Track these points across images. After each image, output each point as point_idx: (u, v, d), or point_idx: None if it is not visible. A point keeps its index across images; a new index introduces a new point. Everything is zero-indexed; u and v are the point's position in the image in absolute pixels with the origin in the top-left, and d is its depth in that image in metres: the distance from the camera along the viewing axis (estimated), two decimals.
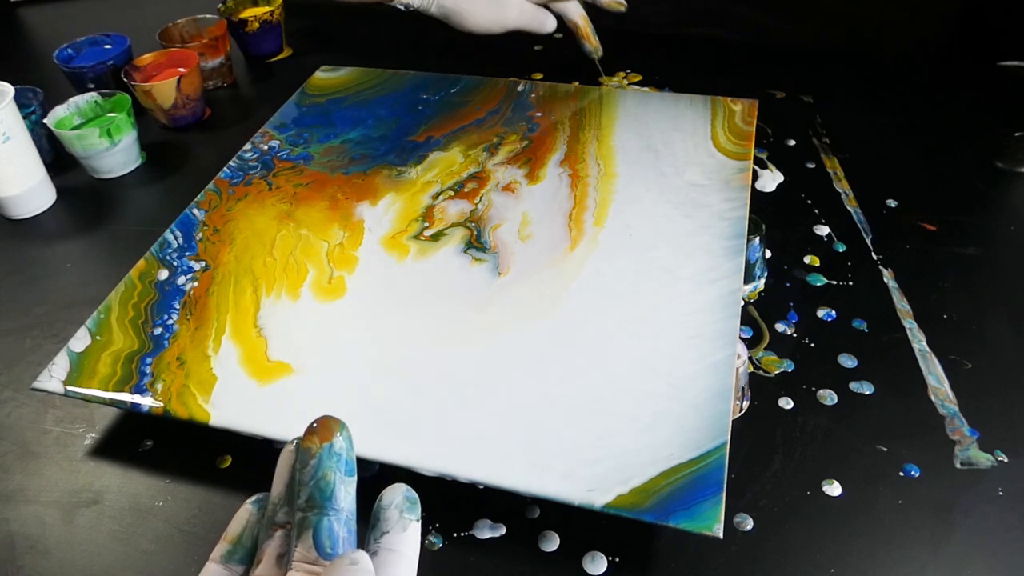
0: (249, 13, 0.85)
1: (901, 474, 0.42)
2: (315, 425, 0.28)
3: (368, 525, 0.28)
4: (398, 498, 0.28)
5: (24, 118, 0.64)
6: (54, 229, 0.65)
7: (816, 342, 0.49)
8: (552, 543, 0.40)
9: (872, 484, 0.42)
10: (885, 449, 0.43)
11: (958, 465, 0.42)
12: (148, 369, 0.45)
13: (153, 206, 0.66)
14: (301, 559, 0.25)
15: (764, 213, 0.55)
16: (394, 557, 0.27)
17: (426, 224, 0.54)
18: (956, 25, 0.76)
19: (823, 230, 0.58)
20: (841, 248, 0.56)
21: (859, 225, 0.58)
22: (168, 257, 0.53)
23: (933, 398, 0.46)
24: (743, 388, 0.45)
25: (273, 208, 0.57)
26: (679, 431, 0.39)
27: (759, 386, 0.47)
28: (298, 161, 0.62)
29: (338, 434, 0.27)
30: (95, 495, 0.44)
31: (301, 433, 0.27)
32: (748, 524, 0.40)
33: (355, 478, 0.27)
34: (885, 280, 0.53)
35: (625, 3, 0.67)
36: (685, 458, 0.38)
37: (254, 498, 0.29)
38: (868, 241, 0.57)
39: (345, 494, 0.27)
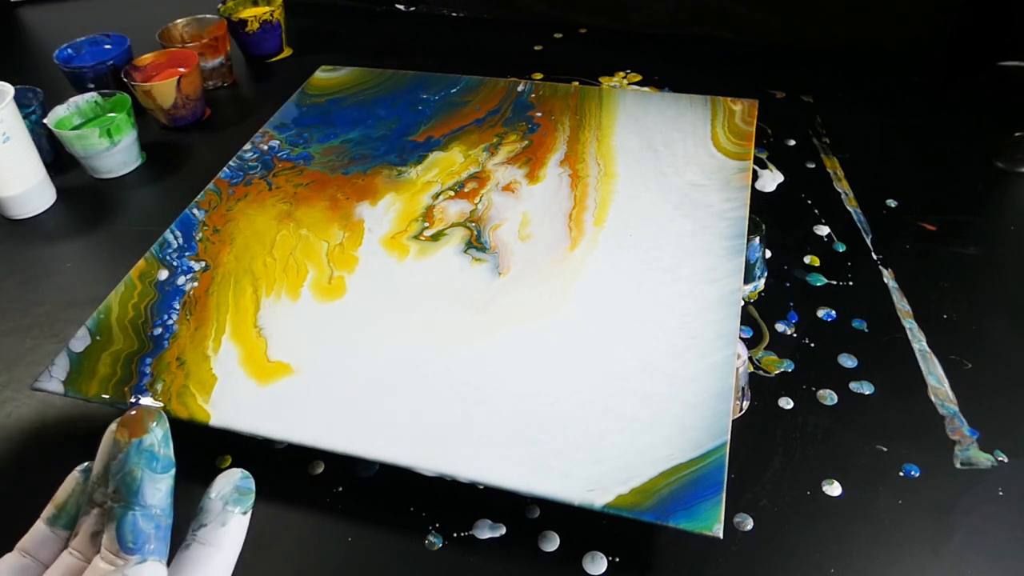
0: (249, 13, 0.85)
1: (901, 474, 0.42)
2: (132, 414, 0.27)
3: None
4: (227, 488, 0.27)
5: (24, 118, 0.64)
6: (54, 229, 0.65)
7: (816, 342, 0.49)
8: (552, 543, 0.40)
9: (872, 484, 0.42)
10: (885, 449, 0.43)
11: (958, 465, 0.42)
12: (148, 369, 0.45)
13: (153, 206, 0.66)
14: (107, 548, 0.25)
15: (764, 213, 0.55)
16: (206, 553, 0.26)
17: (426, 224, 0.54)
18: (956, 25, 0.76)
19: (823, 230, 0.58)
20: (841, 248, 0.56)
21: (859, 225, 0.58)
22: (168, 257, 0.53)
23: (933, 398, 0.46)
24: (743, 388, 0.45)
25: (273, 208, 0.57)
26: (679, 431, 0.39)
27: (759, 386, 0.47)
28: (298, 161, 0.62)
29: (153, 428, 0.26)
30: None
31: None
32: (748, 524, 0.40)
33: (170, 474, 0.26)
34: (885, 280, 0.53)
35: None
36: (685, 458, 0.38)
37: (83, 466, 0.29)
38: (868, 241, 0.57)
39: (154, 491, 0.26)
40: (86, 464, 0.29)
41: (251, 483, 0.28)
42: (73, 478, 0.29)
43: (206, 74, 0.80)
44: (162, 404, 0.43)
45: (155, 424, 0.26)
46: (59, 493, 0.28)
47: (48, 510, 0.28)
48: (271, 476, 0.44)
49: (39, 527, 0.28)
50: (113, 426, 0.27)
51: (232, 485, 0.28)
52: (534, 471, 0.38)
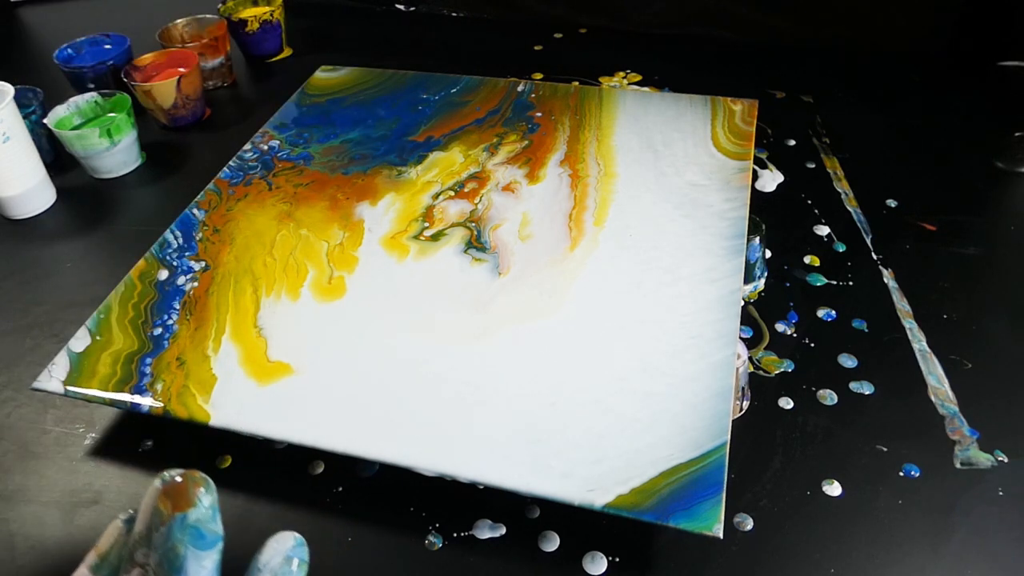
0: (249, 13, 0.85)
1: (901, 474, 0.42)
2: (178, 480, 0.24)
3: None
4: (277, 558, 0.25)
5: (24, 118, 0.64)
6: (54, 229, 0.65)
7: (816, 342, 0.49)
8: (552, 543, 0.40)
9: (872, 484, 0.42)
10: (885, 449, 0.43)
11: (958, 465, 0.42)
12: (148, 369, 0.45)
13: (153, 206, 0.66)
14: None
15: (764, 213, 0.55)
16: None
17: (426, 224, 0.54)
18: (956, 25, 0.76)
19: (823, 230, 0.58)
20: (841, 248, 0.56)
21: (859, 225, 0.58)
22: (168, 257, 0.53)
23: (933, 398, 0.46)
24: (743, 388, 0.45)
25: (273, 208, 0.57)
26: (679, 431, 0.39)
27: (759, 386, 0.47)
28: (298, 161, 0.62)
29: (199, 499, 0.24)
30: (95, 495, 0.44)
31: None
32: (748, 524, 0.40)
33: (215, 549, 0.24)
34: (885, 280, 0.53)
35: None
36: (685, 458, 0.38)
37: (125, 515, 0.27)
38: (868, 241, 0.57)
39: (198, 569, 0.24)
40: (130, 513, 0.27)
41: (305, 552, 0.25)
42: (116, 527, 0.27)
43: (206, 74, 0.80)
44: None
45: (203, 492, 0.24)
46: (102, 541, 0.27)
47: (91, 557, 0.27)
48: (271, 476, 0.44)
49: (83, 573, 0.26)
50: (158, 483, 0.25)
51: (283, 556, 0.25)
52: (534, 471, 0.38)
